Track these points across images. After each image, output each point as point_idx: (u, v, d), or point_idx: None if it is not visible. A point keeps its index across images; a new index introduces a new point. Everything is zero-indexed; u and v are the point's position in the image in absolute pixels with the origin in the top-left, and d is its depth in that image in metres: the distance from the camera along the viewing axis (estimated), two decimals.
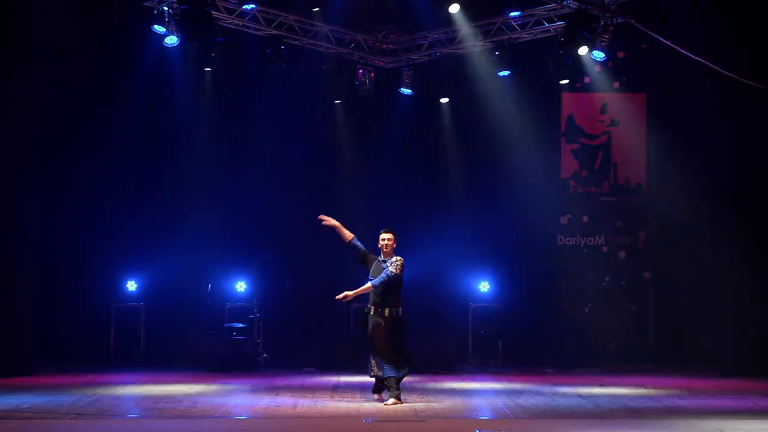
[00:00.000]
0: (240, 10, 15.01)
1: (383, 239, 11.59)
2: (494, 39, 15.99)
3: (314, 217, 16.87)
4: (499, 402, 11.91)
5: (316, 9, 14.95)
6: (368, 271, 11.55)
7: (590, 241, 17.54)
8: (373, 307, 11.44)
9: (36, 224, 15.15)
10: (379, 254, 11.61)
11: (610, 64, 16.60)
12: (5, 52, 14.55)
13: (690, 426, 9.97)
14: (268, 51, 15.67)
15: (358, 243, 11.64)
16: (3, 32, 14.53)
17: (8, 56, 14.59)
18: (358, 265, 11.77)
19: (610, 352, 16.79)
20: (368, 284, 11.45)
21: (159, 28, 14.17)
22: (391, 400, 11.33)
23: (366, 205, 17.38)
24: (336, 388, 13.38)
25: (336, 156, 17.69)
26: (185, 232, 17.15)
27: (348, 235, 11.64)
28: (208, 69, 16.20)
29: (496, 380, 14.55)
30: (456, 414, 10.87)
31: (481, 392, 13.05)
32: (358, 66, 16.88)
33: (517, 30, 15.74)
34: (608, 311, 17.33)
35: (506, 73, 16.06)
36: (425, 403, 11.54)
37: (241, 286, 17.28)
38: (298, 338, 16.88)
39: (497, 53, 15.94)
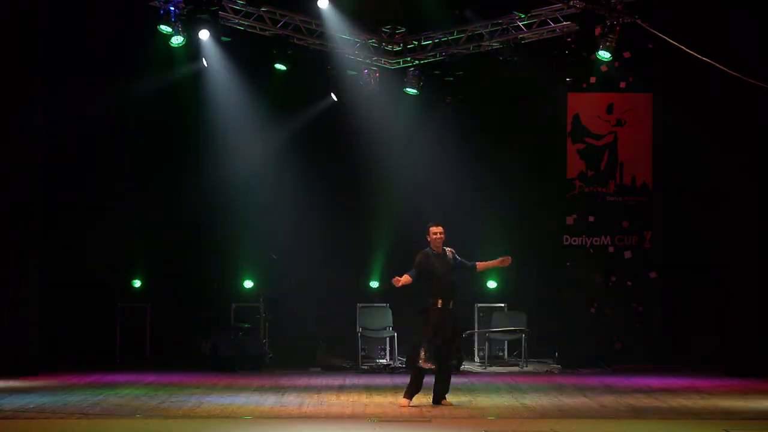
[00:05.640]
0: (246, 10, 15.02)
1: (436, 232, 11.40)
2: (500, 39, 15.97)
3: (318, 216, 16.94)
4: (505, 402, 11.90)
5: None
6: (433, 271, 11.25)
7: (596, 241, 17.51)
8: (452, 301, 11.29)
9: (41, 224, 15.16)
10: (427, 248, 11.43)
11: (616, 64, 16.57)
12: (11, 52, 14.60)
13: (696, 427, 9.96)
14: (274, 51, 15.68)
15: (413, 273, 11.33)
16: (9, 32, 14.58)
17: (13, 57, 14.63)
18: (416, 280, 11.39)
19: (615, 352, 16.75)
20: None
21: (165, 29, 14.17)
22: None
23: (370, 205, 17.38)
24: (342, 388, 13.38)
25: (340, 155, 17.67)
26: (190, 232, 17.17)
27: (409, 279, 11.30)
28: (214, 69, 16.20)
29: (502, 380, 14.54)
30: (462, 414, 10.86)
31: (487, 392, 13.03)
32: (364, 66, 16.87)
33: (522, 30, 15.71)
34: (614, 311, 17.30)
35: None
36: (431, 403, 11.52)
37: (247, 285, 17.28)
38: (304, 338, 16.87)
39: (503, 53, 15.92)
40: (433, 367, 11.19)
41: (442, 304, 11.23)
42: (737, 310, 15.50)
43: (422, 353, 11.12)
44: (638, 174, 17.52)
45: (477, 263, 11.69)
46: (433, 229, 11.45)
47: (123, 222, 17.20)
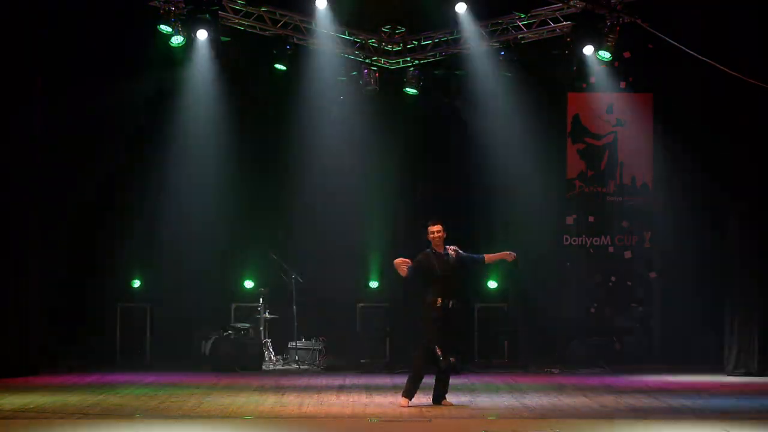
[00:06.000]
0: (246, 10, 15.03)
1: (434, 231, 11.34)
2: (500, 39, 15.98)
3: (318, 216, 16.91)
4: (505, 402, 11.90)
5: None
6: (432, 271, 11.23)
7: (596, 241, 17.52)
8: (452, 300, 11.26)
9: (41, 224, 15.15)
10: (428, 248, 11.41)
11: (616, 64, 16.58)
12: (11, 52, 14.61)
13: (696, 427, 9.96)
14: (274, 51, 15.69)
15: (409, 270, 11.24)
16: (9, 32, 14.59)
17: (13, 57, 14.64)
18: (414, 278, 11.36)
19: (615, 352, 16.75)
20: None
21: (165, 29, 14.17)
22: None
23: (370, 205, 17.37)
24: (342, 388, 13.38)
25: (340, 155, 17.66)
26: (191, 231, 17.16)
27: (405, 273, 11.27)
28: (214, 69, 16.21)
29: (502, 380, 14.54)
30: (462, 414, 10.86)
31: (487, 392, 13.02)
32: (363, 66, 16.87)
33: (522, 30, 15.73)
34: (614, 311, 17.30)
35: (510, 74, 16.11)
36: (431, 403, 11.52)
37: (247, 285, 17.28)
38: (303, 338, 16.86)
39: (503, 53, 15.94)
40: (454, 360, 11.21)
41: (442, 303, 11.24)
42: (737, 311, 15.50)
43: (439, 353, 11.11)
44: (638, 174, 17.53)
45: (485, 255, 11.71)
46: (432, 228, 11.44)
47: (123, 222, 17.18)
